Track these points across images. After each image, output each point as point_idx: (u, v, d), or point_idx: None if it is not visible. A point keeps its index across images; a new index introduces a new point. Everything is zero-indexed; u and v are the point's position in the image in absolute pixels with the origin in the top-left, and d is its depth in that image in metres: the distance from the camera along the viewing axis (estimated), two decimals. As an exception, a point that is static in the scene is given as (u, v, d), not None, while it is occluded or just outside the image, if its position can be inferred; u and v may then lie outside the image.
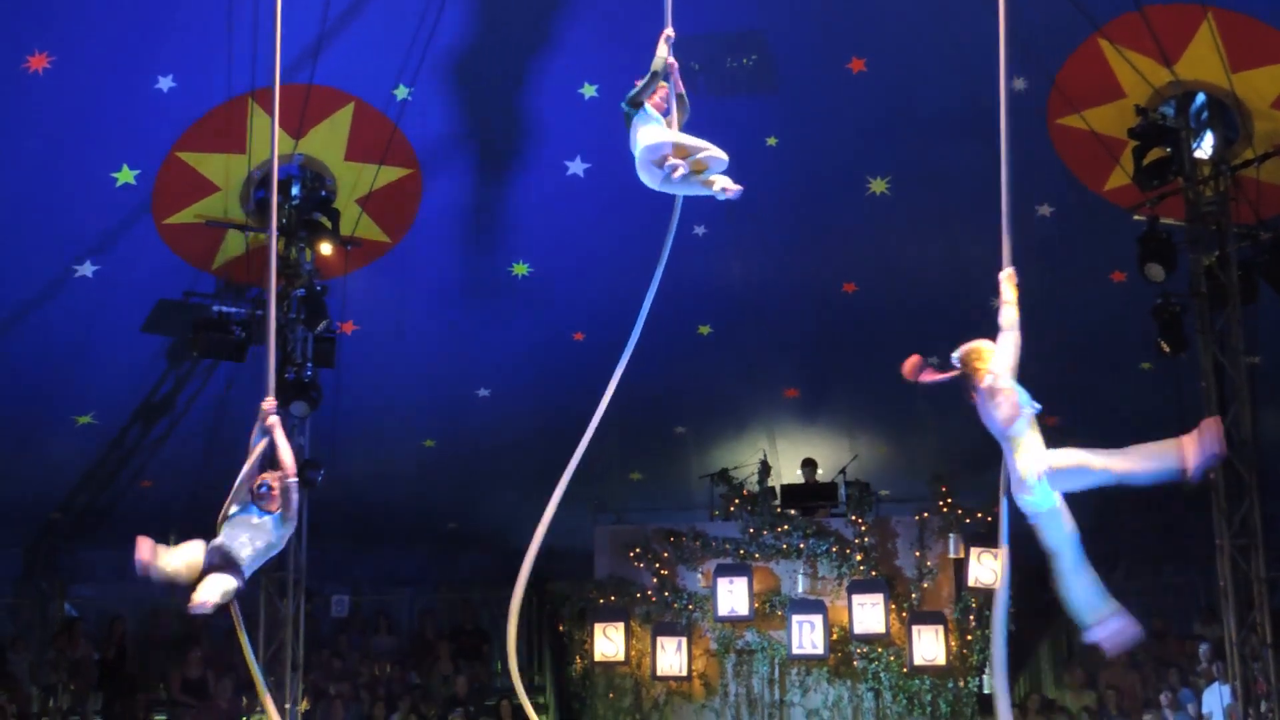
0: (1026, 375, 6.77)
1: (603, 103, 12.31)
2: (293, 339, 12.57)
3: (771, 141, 12.54)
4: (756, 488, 14.10)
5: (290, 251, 12.50)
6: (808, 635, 13.36)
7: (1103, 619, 6.31)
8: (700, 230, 12.59)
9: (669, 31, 7.21)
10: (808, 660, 13.44)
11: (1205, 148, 12.11)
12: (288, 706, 12.16)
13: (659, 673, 13.52)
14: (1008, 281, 6.69)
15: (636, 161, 7.08)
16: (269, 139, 11.84)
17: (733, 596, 13.53)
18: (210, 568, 6.54)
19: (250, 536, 6.70)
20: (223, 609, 6.64)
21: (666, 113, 7.21)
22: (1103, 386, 13.88)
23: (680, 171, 6.87)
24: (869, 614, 13.31)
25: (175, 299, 12.81)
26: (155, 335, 13.06)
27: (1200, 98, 12.03)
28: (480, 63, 12.10)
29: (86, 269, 12.30)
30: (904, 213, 13.06)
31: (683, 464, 15.32)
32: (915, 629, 13.26)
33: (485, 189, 12.87)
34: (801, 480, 14.46)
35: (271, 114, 7.72)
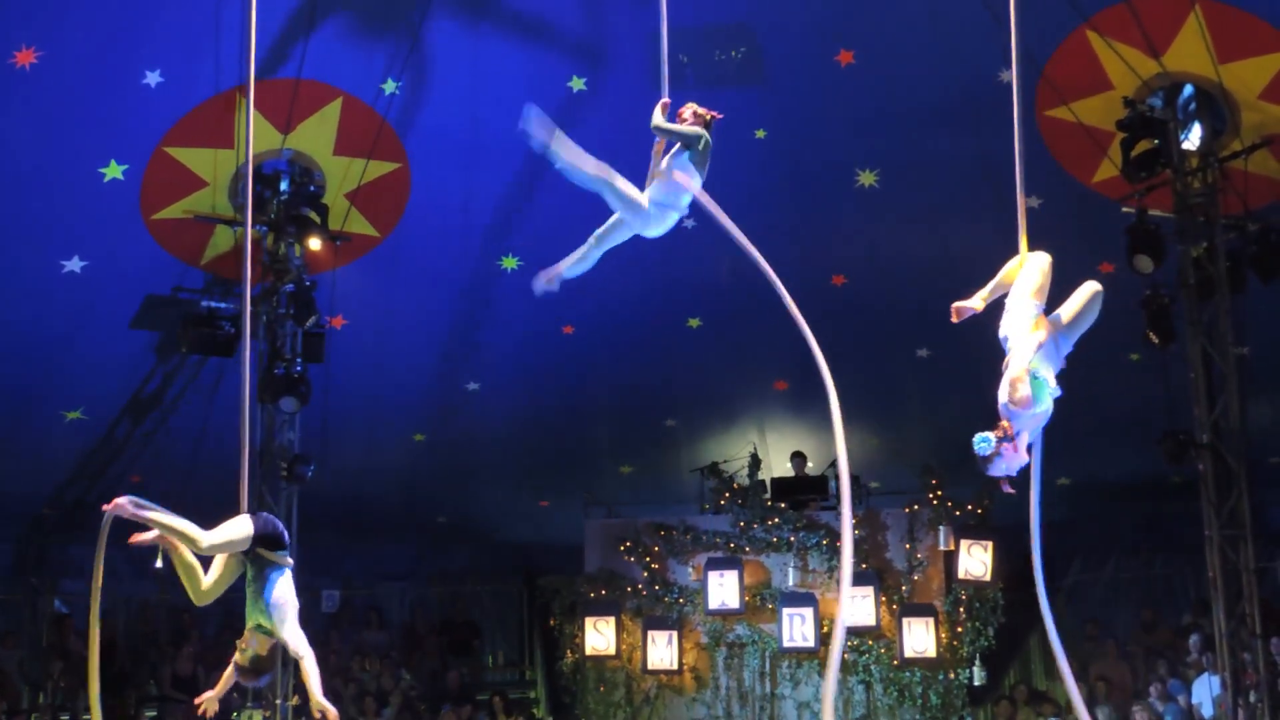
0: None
1: (591, 95, 12.30)
2: (282, 334, 12.57)
3: (760, 134, 12.54)
4: (747, 481, 14.11)
5: (279, 246, 12.49)
6: (798, 628, 13.37)
7: None
8: (689, 223, 12.56)
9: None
10: (798, 653, 13.45)
11: (1193, 139, 12.12)
12: (278, 702, 12.16)
13: (650, 666, 13.53)
14: None
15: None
16: (258, 133, 11.89)
17: (723, 590, 13.54)
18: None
19: None
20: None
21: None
22: (1091, 378, 13.85)
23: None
24: (859, 607, 13.32)
25: (164, 294, 12.79)
26: (144, 331, 13.04)
27: (1188, 89, 12.04)
28: (467, 56, 12.08)
29: (74, 264, 12.27)
30: (893, 205, 13.06)
31: (673, 457, 15.32)
32: (906, 621, 13.28)
33: (474, 183, 12.85)
34: (791, 473, 14.47)
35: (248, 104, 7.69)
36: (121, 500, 6.50)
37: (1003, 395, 6.06)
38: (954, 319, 6.78)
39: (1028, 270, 6.53)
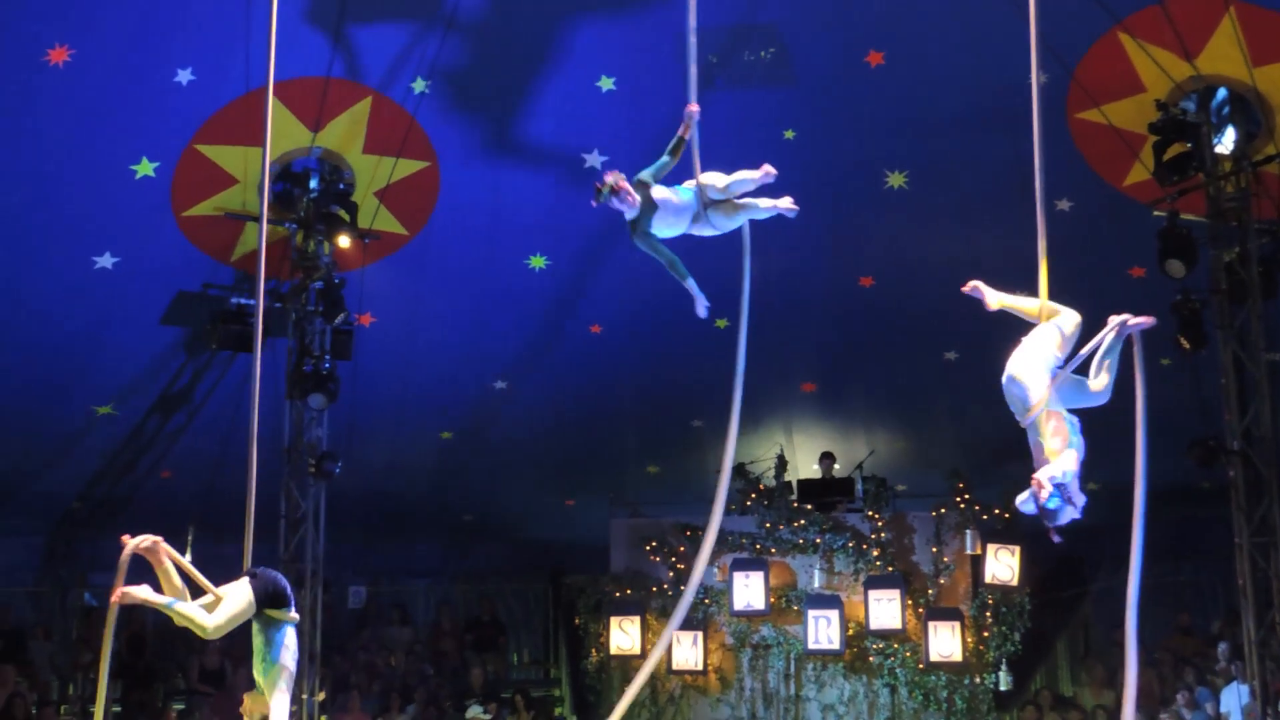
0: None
1: (620, 95, 12.31)
2: (311, 331, 12.63)
3: (789, 135, 12.51)
4: (773, 482, 14.09)
5: (308, 244, 12.55)
6: (824, 630, 13.34)
7: None
8: (718, 223, 12.57)
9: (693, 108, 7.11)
10: (823, 655, 13.42)
11: (1226, 143, 12.03)
12: (305, 697, 12.21)
13: (674, 666, 13.52)
14: None
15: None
16: (288, 131, 11.98)
17: (749, 591, 13.52)
18: None
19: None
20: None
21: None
22: (1121, 383, 13.79)
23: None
24: (885, 609, 13.27)
25: (194, 291, 12.87)
26: (174, 327, 13.12)
27: (1221, 92, 11.96)
28: (497, 55, 12.10)
29: (106, 261, 12.35)
30: (922, 207, 13.01)
31: (699, 458, 15.29)
32: (931, 625, 13.23)
33: (502, 182, 12.87)
34: (819, 474, 14.44)
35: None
36: (131, 591, 6.49)
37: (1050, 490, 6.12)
38: (967, 288, 6.81)
39: (1055, 326, 6.52)
